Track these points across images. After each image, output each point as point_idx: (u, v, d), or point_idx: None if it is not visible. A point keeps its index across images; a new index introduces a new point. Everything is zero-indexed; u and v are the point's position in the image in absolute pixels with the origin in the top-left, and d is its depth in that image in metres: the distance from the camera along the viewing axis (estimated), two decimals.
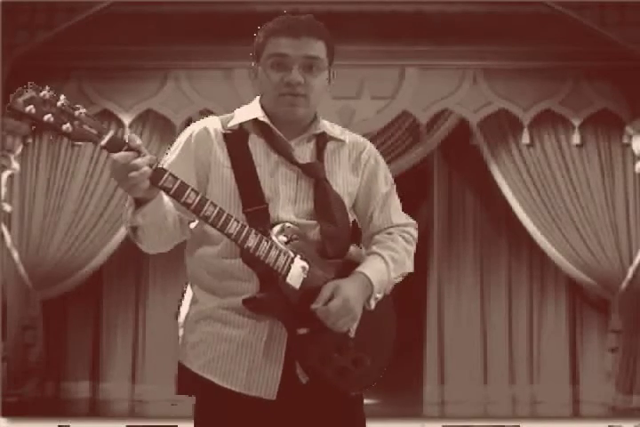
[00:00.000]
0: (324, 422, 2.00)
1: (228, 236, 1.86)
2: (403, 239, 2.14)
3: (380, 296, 2.04)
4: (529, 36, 5.63)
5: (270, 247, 1.89)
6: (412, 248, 2.16)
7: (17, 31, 5.45)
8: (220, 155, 2.00)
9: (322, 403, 1.97)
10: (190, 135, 2.03)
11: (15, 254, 5.72)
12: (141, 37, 5.64)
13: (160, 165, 1.81)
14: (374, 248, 2.10)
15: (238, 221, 1.86)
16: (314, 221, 2.01)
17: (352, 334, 1.99)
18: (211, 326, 1.98)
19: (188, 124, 2.12)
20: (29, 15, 5.48)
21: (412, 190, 5.69)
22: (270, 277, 1.91)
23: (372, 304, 2.02)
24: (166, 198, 1.87)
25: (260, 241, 1.88)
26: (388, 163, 2.32)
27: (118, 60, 5.75)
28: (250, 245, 1.87)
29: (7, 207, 5.72)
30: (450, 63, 5.80)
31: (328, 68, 2.04)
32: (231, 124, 2.04)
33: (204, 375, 1.96)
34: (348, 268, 2.03)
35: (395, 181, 2.22)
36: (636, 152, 5.81)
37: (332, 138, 2.10)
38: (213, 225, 1.84)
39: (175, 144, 2.06)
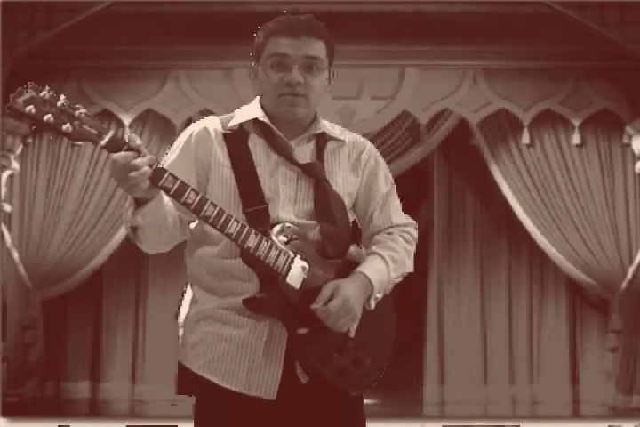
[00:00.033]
0: (323, 422, 2.00)
1: (228, 236, 1.86)
2: (403, 239, 2.14)
3: (380, 296, 2.04)
4: (529, 36, 5.63)
5: (270, 247, 1.89)
6: (412, 248, 2.16)
7: (17, 31, 5.45)
8: (220, 155, 2.00)
9: (322, 403, 1.98)
10: (190, 135, 2.03)
11: (15, 254, 5.72)
12: (141, 37, 5.64)
13: (160, 165, 1.81)
14: (374, 248, 2.10)
15: (238, 221, 1.86)
16: (314, 221, 2.01)
17: (352, 334, 1.99)
18: (211, 326, 1.98)
19: (188, 125, 2.12)
20: (29, 15, 5.48)
21: (412, 190, 5.68)
22: (270, 277, 1.91)
23: (372, 304, 2.02)
24: (166, 198, 1.87)
25: (260, 241, 1.88)
26: (388, 163, 2.32)
27: (118, 60, 5.75)
28: (250, 245, 1.87)
29: (7, 207, 5.72)
30: (450, 63, 5.80)
31: (328, 68, 2.04)
32: (231, 124, 2.04)
33: (204, 375, 1.96)
34: (348, 268, 2.03)
35: (395, 181, 2.22)
36: (636, 152, 5.81)
37: (332, 138, 2.10)
38: (213, 225, 1.84)
39: (175, 144, 2.06)
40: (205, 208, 1.82)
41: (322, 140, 2.08)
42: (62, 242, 5.75)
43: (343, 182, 2.08)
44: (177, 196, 1.80)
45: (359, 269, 2.03)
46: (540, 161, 5.86)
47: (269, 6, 4.98)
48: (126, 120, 5.82)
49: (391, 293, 2.12)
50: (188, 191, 1.80)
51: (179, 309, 2.08)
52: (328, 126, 2.11)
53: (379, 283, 2.02)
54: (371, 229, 2.15)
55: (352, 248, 2.08)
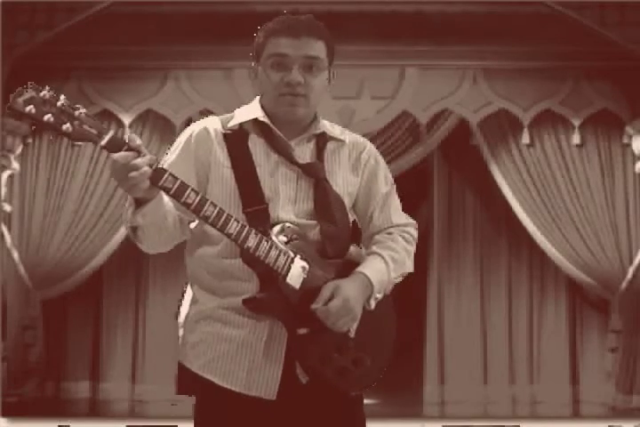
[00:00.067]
0: (323, 422, 2.00)
1: (228, 236, 1.86)
2: (403, 239, 2.14)
3: (380, 296, 2.04)
4: (529, 36, 5.63)
5: (270, 247, 1.89)
6: (412, 248, 2.16)
7: (17, 31, 5.45)
8: (220, 155, 2.00)
9: (322, 403, 1.97)
10: (190, 135, 2.03)
11: (15, 254, 5.72)
12: (141, 37, 5.64)
13: (160, 165, 1.81)
14: (374, 248, 2.10)
15: (238, 221, 1.86)
16: (314, 221, 2.01)
17: (352, 334, 1.99)
18: (211, 326, 1.98)
19: (188, 125, 2.12)
20: (29, 15, 5.48)
21: (412, 190, 5.68)
22: (270, 277, 1.91)
23: (372, 304, 2.02)
24: (166, 198, 1.87)
25: (260, 241, 1.88)
26: (388, 163, 2.32)
27: (118, 60, 5.75)
28: (250, 245, 1.87)
29: (7, 207, 5.72)
30: (450, 63, 5.80)
31: (328, 68, 2.04)
32: (231, 124, 2.04)
33: (204, 375, 1.96)
34: (348, 268, 2.03)
35: (395, 181, 2.21)
36: (636, 152, 5.81)
37: (332, 138, 2.10)
38: (213, 225, 1.84)
39: (175, 144, 2.06)
40: (205, 208, 1.82)
41: (322, 140, 2.08)
42: (62, 242, 5.75)
43: (343, 182, 2.08)
44: (177, 196, 1.80)
45: (359, 269, 2.03)
46: (540, 161, 5.86)
47: (269, 6, 4.98)
48: (126, 120, 5.82)
49: (391, 293, 2.12)
50: (187, 191, 1.80)
51: (179, 309, 2.08)
52: (328, 126, 2.11)
53: (379, 283, 2.02)
54: (371, 229, 2.15)
55: (352, 248, 2.08)
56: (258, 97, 2.09)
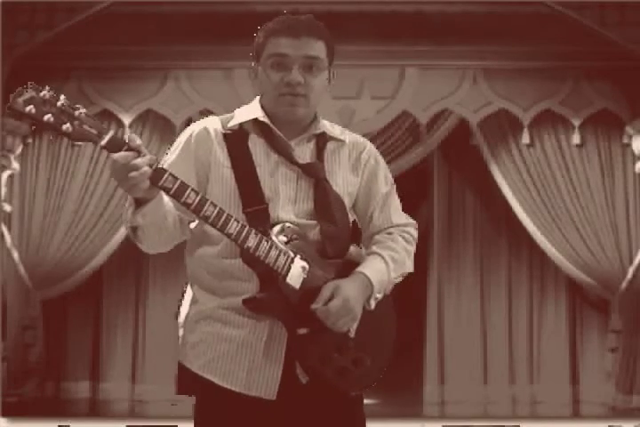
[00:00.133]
0: (324, 422, 2.00)
1: (228, 236, 1.85)
2: (403, 239, 2.14)
3: (380, 296, 2.04)
4: (529, 36, 5.63)
5: (270, 247, 1.89)
6: (412, 248, 2.16)
7: (17, 31, 5.45)
8: (220, 155, 2.00)
9: (322, 403, 1.97)
10: (190, 135, 2.03)
11: (15, 254, 5.72)
12: (141, 37, 5.63)
13: (160, 165, 1.81)
14: (374, 248, 2.10)
15: (238, 221, 1.86)
16: (314, 221, 2.01)
17: (352, 334, 1.99)
18: (211, 326, 1.98)
19: (188, 125, 2.12)
20: (29, 15, 5.48)
21: (412, 190, 5.68)
22: (270, 277, 1.91)
23: (372, 304, 2.02)
24: (166, 198, 1.87)
25: (260, 241, 1.88)
26: (388, 163, 2.32)
27: (118, 60, 5.75)
28: (250, 245, 1.87)
29: (7, 207, 5.72)
30: (450, 63, 5.80)
31: (328, 68, 2.04)
32: (231, 124, 2.04)
33: (204, 375, 1.96)
34: (348, 268, 2.03)
35: (395, 181, 2.21)
36: (636, 152, 5.81)
37: (332, 138, 2.10)
38: (213, 225, 1.84)
39: (175, 144, 2.06)
40: (205, 208, 1.82)
41: (322, 140, 2.08)
42: (62, 242, 5.75)
43: (343, 182, 2.08)
44: (177, 196, 1.80)
45: (359, 269, 2.02)
46: (540, 161, 5.86)
47: (269, 6, 4.98)
48: (126, 120, 5.82)
49: (391, 293, 2.12)
50: (187, 191, 1.80)
51: (179, 309, 2.08)
52: (328, 126, 2.11)
53: (379, 283, 2.02)
54: (371, 229, 2.15)
55: (352, 248, 2.08)
56: (258, 97, 2.09)
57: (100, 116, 5.73)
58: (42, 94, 1.66)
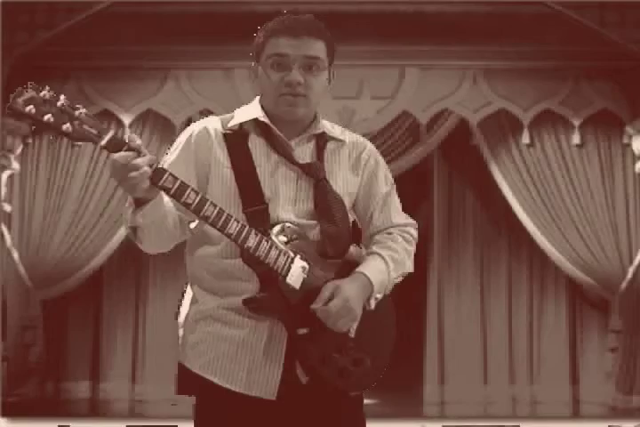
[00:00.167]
0: (323, 422, 2.00)
1: (228, 236, 1.85)
2: (403, 239, 2.14)
3: (379, 296, 2.04)
4: (529, 36, 5.63)
5: (270, 247, 1.89)
6: (412, 248, 2.16)
7: (17, 31, 5.45)
8: (220, 155, 2.00)
9: (322, 403, 1.97)
10: (190, 135, 2.03)
11: (15, 254, 5.72)
12: (141, 37, 5.63)
13: (160, 165, 1.81)
14: (374, 248, 2.10)
15: (238, 222, 1.86)
16: (314, 221, 2.01)
17: (352, 334, 1.99)
18: (211, 325, 1.98)
19: (188, 125, 2.12)
20: (29, 15, 5.48)
21: (412, 190, 5.68)
22: (270, 277, 1.91)
23: (372, 304, 2.02)
24: (166, 198, 1.87)
25: (260, 241, 1.88)
26: (388, 163, 2.32)
27: (118, 60, 5.75)
28: (250, 245, 1.86)
29: (7, 207, 5.72)
30: (450, 63, 5.80)
31: (328, 67, 2.03)
32: (231, 124, 2.04)
33: (204, 375, 1.96)
34: (348, 268, 2.03)
35: (395, 181, 2.21)
36: (636, 152, 5.81)
37: (332, 138, 2.10)
38: (213, 225, 1.84)
39: (175, 144, 2.05)
40: (205, 208, 1.82)
41: (322, 140, 2.08)
42: (62, 242, 5.76)
43: (343, 182, 2.08)
44: (177, 196, 1.79)
45: (359, 269, 2.02)
46: (540, 161, 5.87)
47: (269, 6, 4.97)
48: (126, 120, 5.82)
49: (391, 293, 2.12)
50: (187, 191, 1.80)
51: (178, 309, 2.08)
52: (328, 126, 2.11)
53: (379, 283, 2.02)
54: (371, 229, 2.15)
55: (352, 248, 2.08)
56: (258, 97, 2.09)
57: (100, 116, 5.73)
58: (42, 94, 1.66)
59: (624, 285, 5.74)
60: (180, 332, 2.05)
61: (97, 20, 5.46)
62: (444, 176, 6.26)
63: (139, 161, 1.73)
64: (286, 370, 1.94)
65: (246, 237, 1.86)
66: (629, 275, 5.74)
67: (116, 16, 5.51)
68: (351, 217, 2.12)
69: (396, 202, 2.19)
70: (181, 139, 2.05)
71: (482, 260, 6.24)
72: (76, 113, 1.70)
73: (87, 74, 5.81)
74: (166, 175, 1.78)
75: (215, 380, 1.94)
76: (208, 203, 1.82)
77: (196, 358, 1.98)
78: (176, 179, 1.79)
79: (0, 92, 5.21)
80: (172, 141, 2.11)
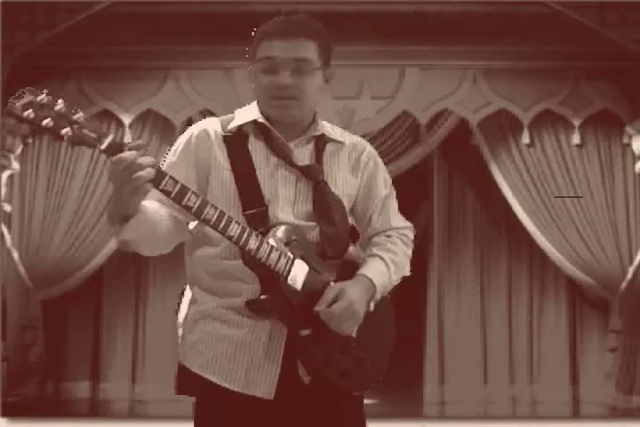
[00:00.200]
0: (323, 422, 2.00)
1: (229, 238, 1.85)
2: (402, 242, 2.15)
3: (379, 298, 2.05)
4: (529, 36, 5.63)
5: (271, 249, 1.89)
6: (410, 251, 2.18)
7: (17, 31, 5.45)
8: (220, 157, 2.00)
9: (322, 403, 1.98)
10: (190, 137, 2.03)
11: (15, 254, 5.72)
12: (141, 37, 5.63)
13: (160, 166, 1.80)
14: (374, 250, 2.11)
15: (239, 224, 1.86)
16: (313, 223, 2.01)
17: (354, 335, 2.00)
18: (210, 325, 1.98)
19: (189, 125, 2.12)
20: (29, 15, 5.47)
21: (412, 190, 5.68)
22: (271, 278, 1.91)
23: (372, 306, 2.03)
24: (153, 208, 1.86)
25: (261, 243, 1.88)
26: (388, 163, 2.33)
27: (118, 60, 5.74)
28: (251, 247, 1.86)
29: (7, 207, 5.72)
30: (450, 63, 5.80)
31: (322, 67, 2.02)
32: (231, 125, 2.04)
33: (203, 375, 1.96)
34: (347, 268, 2.03)
35: (394, 181, 2.22)
36: (636, 152, 5.81)
37: (332, 140, 2.10)
38: (214, 228, 1.84)
39: (175, 146, 2.05)
40: (206, 211, 1.81)
41: (321, 141, 2.08)
42: (62, 242, 5.75)
43: (342, 184, 2.08)
44: (177, 199, 1.79)
45: (362, 271, 2.03)
46: (540, 161, 5.86)
47: (269, 6, 4.97)
48: (126, 120, 5.81)
49: (390, 293, 2.13)
50: (188, 194, 1.79)
51: (178, 308, 2.09)
52: (328, 128, 2.11)
53: (381, 285, 2.03)
54: (369, 231, 2.16)
55: (351, 248, 2.08)
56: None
57: (100, 116, 5.73)
58: (39, 98, 1.65)
59: (624, 285, 5.74)
60: (180, 332, 2.06)
61: (97, 20, 5.46)
62: (444, 176, 6.25)
63: (143, 160, 1.72)
64: (286, 370, 1.95)
65: (247, 240, 1.86)
66: (629, 275, 5.74)
67: (115, 16, 5.50)
68: (351, 219, 2.12)
69: (394, 205, 2.19)
70: (181, 140, 2.04)
71: (482, 260, 6.23)
72: (75, 117, 1.68)
73: (87, 74, 5.81)
74: (167, 178, 1.77)
75: (214, 379, 1.95)
76: (209, 206, 1.82)
77: (195, 357, 1.98)
78: (176, 182, 1.78)
79: (0, 93, 5.21)
80: (172, 142, 2.11)
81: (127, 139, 5.65)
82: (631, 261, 5.76)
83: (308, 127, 2.07)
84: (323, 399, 1.98)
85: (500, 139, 5.93)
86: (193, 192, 1.80)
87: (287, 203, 2.00)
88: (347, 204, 2.08)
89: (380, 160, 2.18)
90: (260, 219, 1.94)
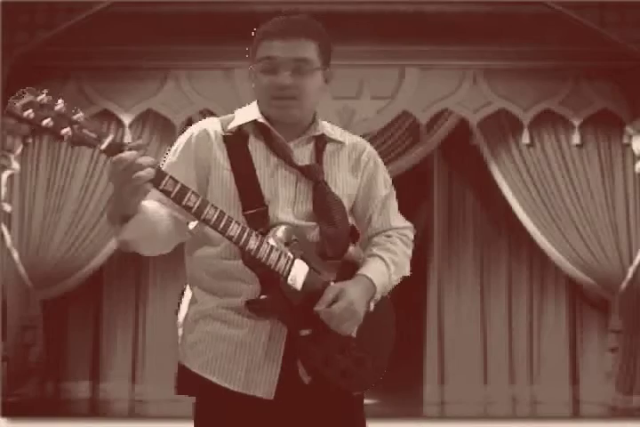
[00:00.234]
0: (323, 422, 2.00)
1: (229, 238, 1.85)
2: (402, 242, 2.15)
3: (379, 298, 2.05)
4: (529, 36, 5.63)
5: (271, 249, 1.89)
6: (410, 251, 2.19)
7: (17, 31, 5.45)
8: (220, 157, 2.00)
9: (322, 403, 1.98)
10: (190, 137, 2.03)
11: (15, 254, 5.72)
12: (141, 37, 5.62)
13: (160, 166, 1.80)
14: (374, 250, 2.11)
15: (239, 224, 1.86)
16: (313, 223, 2.01)
17: (354, 335, 2.00)
18: (210, 325, 1.98)
19: (189, 125, 2.12)
20: (29, 15, 5.47)
21: (412, 190, 5.68)
22: (271, 278, 1.92)
23: (372, 306, 2.03)
24: (153, 208, 1.86)
25: (261, 243, 1.88)
26: (388, 163, 2.33)
27: (118, 60, 5.74)
28: (251, 247, 1.87)
29: (7, 207, 5.72)
30: (450, 63, 5.80)
31: (322, 67, 2.03)
32: (231, 125, 2.04)
33: (203, 375, 1.96)
34: (347, 268, 2.04)
35: (394, 181, 2.22)
36: (636, 152, 5.81)
37: (332, 140, 2.10)
38: (214, 228, 1.84)
39: (175, 146, 2.05)
40: (206, 211, 1.81)
41: (321, 141, 2.08)
42: (62, 242, 5.75)
43: (342, 184, 2.08)
44: (178, 199, 1.79)
45: (362, 271, 2.03)
46: (540, 161, 5.86)
47: (269, 6, 4.97)
48: (126, 120, 5.81)
49: (390, 293, 2.13)
50: (188, 195, 1.79)
51: (178, 308, 2.09)
52: (328, 128, 2.11)
53: (381, 285, 2.04)
54: (369, 231, 2.16)
55: (351, 248, 2.08)
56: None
57: (100, 116, 5.73)
58: (39, 98, 1.65)
59: (624, 285, 5.73)
60: (180, 332, 2.06)
61: (97, 20, 5.46)
62: (444, 176, 6.25)
63: (143, 160, 1.72)
64: (286, 370, 1.95)
65: (247, 240, 1.86)
66: (629, 275, 5.73)
67: (116, 16, 5.50)
68: (351, 219, 2.12)
69: (394, 205, 2.20)
70: (181, 140, 2.05)
71: (482, 260, 6.23)
72: (75, 117, 1.68)
73: (87, 74, 5.81)
74: (167, 178, 1.77)
75: (214, 379, 1.95)
76: (209, 206, 1.82)
77: (195, 357, 1.98)
78: (176, 182, 1.78)
79: (0, 93, 5.21)
80: (172, 142, 2.11)
81: (127, 139, 5.66)
82: (631, 261, 5.75)
83: (308, 127, 2.07)
84: (323, 399, 1.98)
85: (500, 139, 5.93)
86: (193, 192, 1.80)
87: (287, 203, 2.00)
88: (347, 204, 2.08)
89: (379, 160, 2.18)
90: (259, 219, 1.94)
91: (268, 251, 1.88)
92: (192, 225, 2.00)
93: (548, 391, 5.99)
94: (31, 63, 5.48)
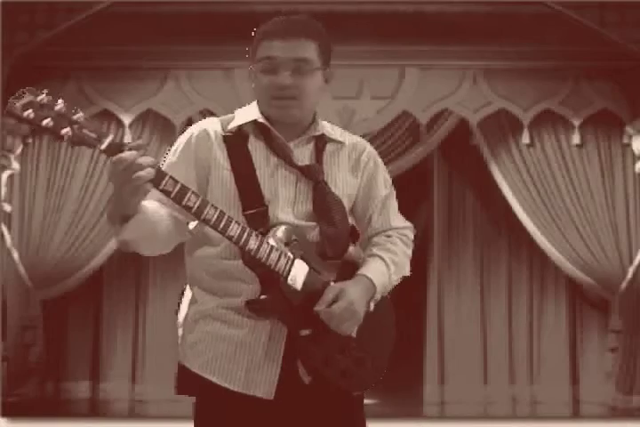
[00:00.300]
0: (324, 422, 2.00)
1: (229, 238, 1.85)
2: (402, 242, 2.15)
3: (379, 298, 2.05)
4: (529, 36, 5.63)
5: (271, 249, 1.89)
6: (410, 251, 2.19)
7: (17, 31, 5.45)
8: (220, 157, 2.00)
9: (322, 403, 1.98)
10: (190, 137, 2.03)
11: (15, 254, 5.71)
12: (141, 37, 5.62)
13: (160, 166, 1.80)
14: (374, 250, 2.11)
15: (239, 224, 1.86)
16: (313, 223, 2.01)
17: (354, 335, 2.00)
18: (210, 325, 1.98)
19: (189, 125, 2.12)
20: (29, 15, 5.47)
21: (412, 190, 5.68)
22: (271, 278, 1.92)
23: (372, 306, 2.03)
24: (153, 208, 1.86)
25: (261, 243, 1.88)
26: (388, 163, 2.33)
27: (118, 60, 5.74)
28: (251, 247, 1.87)
29: (7, 207, 5.72)
30: (450, 63, 5.80)
31: (322, 67, 2.03)
32: (231, 125, 2.04)
33: (203, 375, 1.96)
34: (347, 268, 2.04)
35: (394, 181, 2.22)
36: (636, 152, 5.81)
37: (332, 140, 2.10)
38: (214, 228, 1.84)
39: (175, 146, 2.05)
40: (206, 211, 1.81)
41: (321, 141, 2.08)
42: (62, 242, 5.75)
43: (342, 184, 2.08)
44: (178, 199, 1.79)
45: (362, 271, 2.03)
46: (540, 161, 5.86)
47: (269, 6, 4.98)
48: (126, 120, 5.81)
49: (390, 293, 2.13)
50: (188, 194, 1.79)
51: (178, 308, 2.09)
52: (328, 128, 2.11)
53: (381, 285, 2.04)
54: (369, 231, 2.16)
55: (351, 248, 2.08)
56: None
57: (100, 116, 5.73)
58: (39, 98, 1.65)
59: (624, 285, 5.73)
60: (180, 332, 2.06)
61: (97, 20, 5.46)
62: (444, 176, 6.25)
63: (143, 160, 1.72)
64: (286, 370, 1.95)
65: (247, 240, 1.86)
66: (629, 275, 5.73)
67: (116, 16, 5.50)
68: (351, 219, 2.12)
69: (394, 205, 2.20)
70: (181, 140, 2.05)
71: (482, 260, 6.23)
72: (75, 117, 1.68)
73: (87, 74, 5.80)
74: (167, 178, 1.77)
75: (214, 379, 1.95)
76: (209, 206, 1.82)
77: (195, 357, 1.98)
78: (176, 182, 1.78)
79: (0, 93, 5.21)
80: (172, 142, 2.11)
81: (127, 139, 5.66)
82: (631, 261, 5.75)
83: (308, 127, 2.07)
84: (323, 399, 1.98)
85: (500, 139, 5.93)
86: (193, 192, 1.80)
87: (287, 203, 2.00)
88: (347, 204, 2.08)
89: (379, 160, 2.18)
90: (259, 219, 1.94)
91: (267, 251, 1.88)
92: (192, 225, 2.00)
93: (548, 391, 5.99)
94: (31, 63, 5.48)
